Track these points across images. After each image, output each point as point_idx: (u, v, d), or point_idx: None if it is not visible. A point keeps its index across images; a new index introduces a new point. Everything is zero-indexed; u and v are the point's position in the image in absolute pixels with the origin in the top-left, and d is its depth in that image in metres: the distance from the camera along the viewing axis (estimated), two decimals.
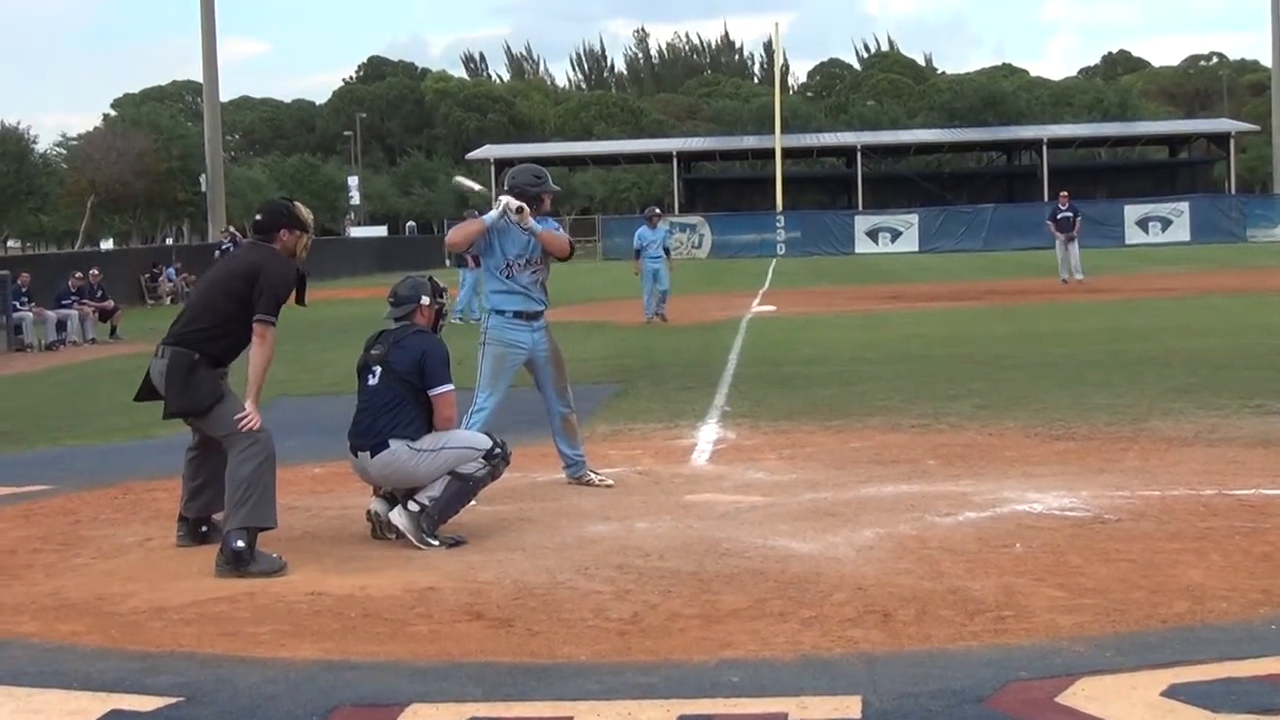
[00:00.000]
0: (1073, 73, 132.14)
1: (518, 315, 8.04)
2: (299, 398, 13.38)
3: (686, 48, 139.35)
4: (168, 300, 36.10)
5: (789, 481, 8.14)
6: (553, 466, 8.41)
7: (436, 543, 6.59)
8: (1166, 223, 59.94)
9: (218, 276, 6.87)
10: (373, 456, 6.73)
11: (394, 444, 6.68)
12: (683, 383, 13.70)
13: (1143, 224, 59.85)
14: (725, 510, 7.34)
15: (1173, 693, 4.22)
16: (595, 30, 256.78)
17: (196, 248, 48.38)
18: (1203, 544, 6.18)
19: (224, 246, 31.82)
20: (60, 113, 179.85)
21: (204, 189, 49.05)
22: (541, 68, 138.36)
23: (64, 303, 24.32)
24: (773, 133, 71.91)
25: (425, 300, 7.03)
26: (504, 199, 7.95)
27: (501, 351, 8.03)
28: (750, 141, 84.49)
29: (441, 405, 6.77)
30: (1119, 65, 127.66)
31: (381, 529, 6.81)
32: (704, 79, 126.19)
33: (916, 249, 58.74)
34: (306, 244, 6.84)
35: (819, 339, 18.69)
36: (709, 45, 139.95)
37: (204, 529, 6.89)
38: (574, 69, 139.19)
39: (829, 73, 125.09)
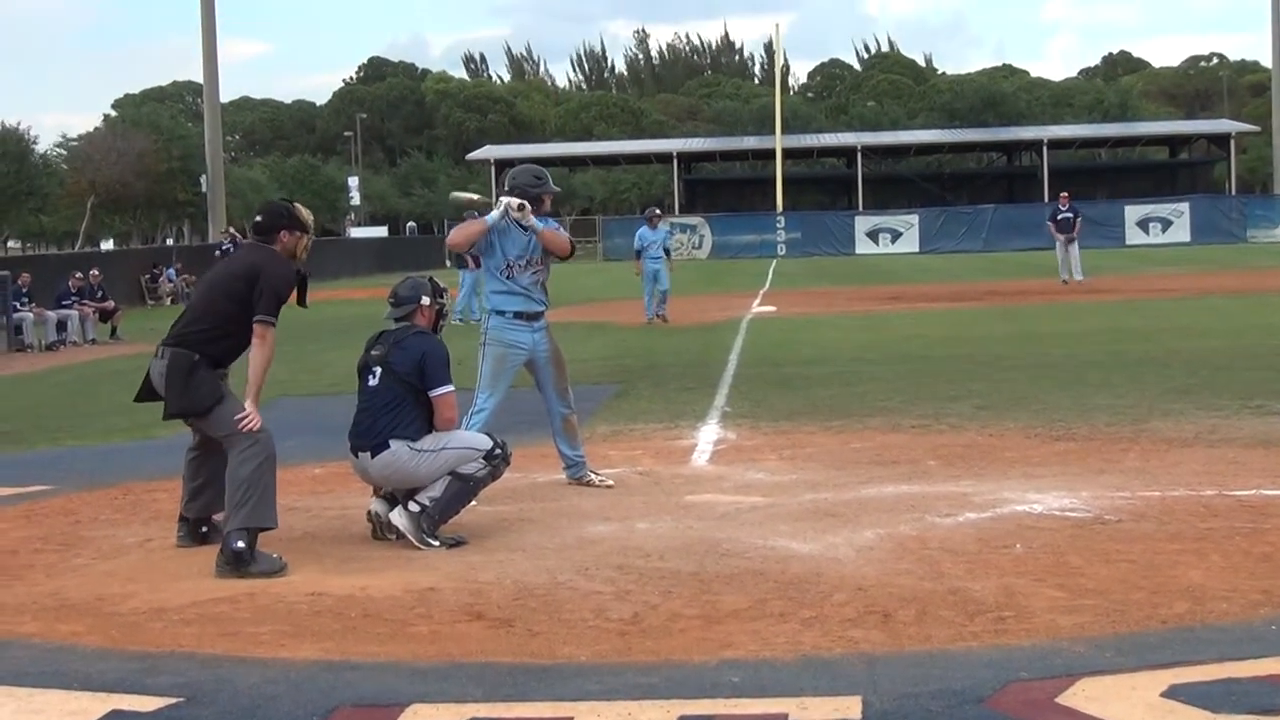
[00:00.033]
0: (1073, 73, 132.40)
1: (518, 316, 8.04)
2: (299, 398, 13.39)
3: (687, 48, 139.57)
4: (168, 301, 36.12)
5: (789, 482, 8.14)
6: (553, 467, 8.41)
7: (437, 543, 6.60)
8: (1167, 223, 59.97)
9: (218, 278, 6.88)
10: (373, 457, 6.73)
11: (394, 444, 6.69)
12: (683, 383, 13.70)
13: (1143, 225, 59.88)
14: (725, 511, 7.34)
15: (1173, 693, 4.22)
16: (595, 31, 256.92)
17: (197, 248, 48.40)
18: (1203, 545, 6.19)
19: (224, 247, 31.85)
20: (60, 113, 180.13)
21: (204, 189, 49.06)
22: (542, 68, 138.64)
23: (64, 303, 24.33)
24: (773, 133, 71.92)
25: (425, 301, 7.03)
26: (505, 199, 7.96)
27: (502, 352, 8.03)
28: (750, 142, 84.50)
29: (442, 406, 6.78)
30: (1119, 66, 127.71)
31: (382, 529, 6.81)
32: (704, 80, 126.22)
33: (917, 250, 58.74)
34: (307, 245, 6.84)
35: (819, 340, 18.69)
36: (709, 46, 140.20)
37: (204, 529, 6.89)
38: (574, 69, 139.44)
39: (829, 73, 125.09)
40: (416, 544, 6.59)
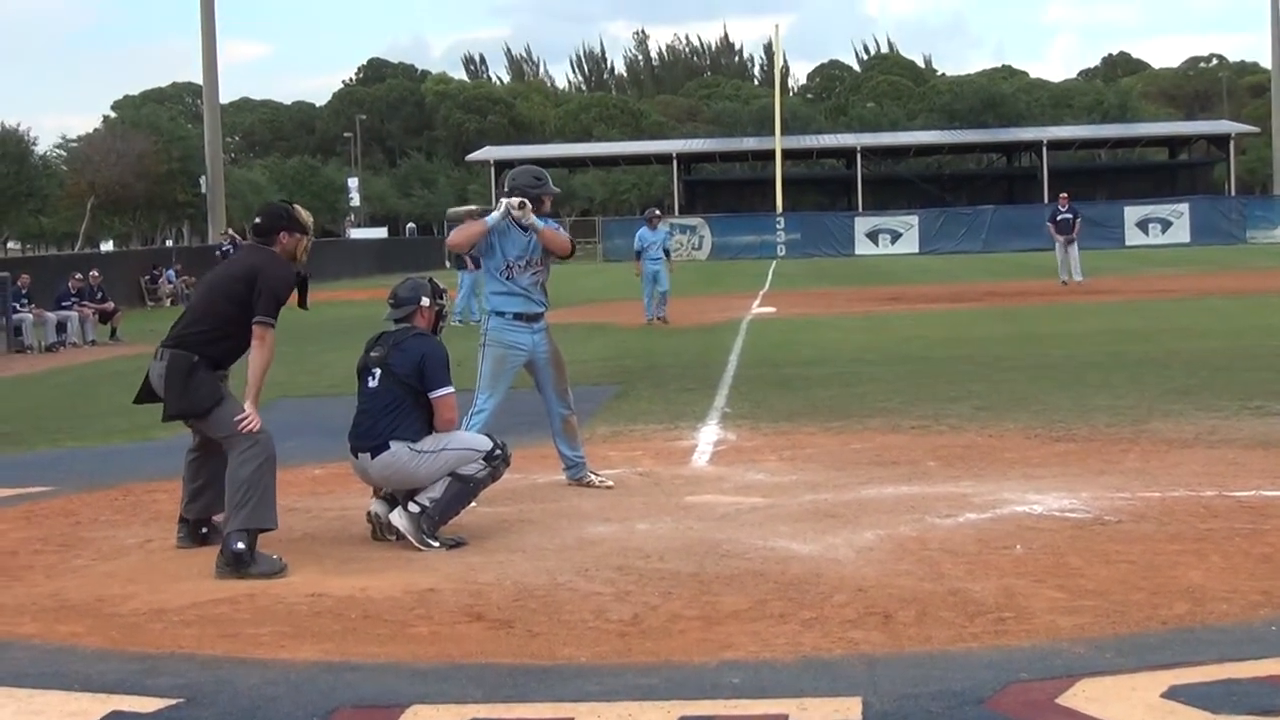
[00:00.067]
0: (1072, 74, 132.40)
1: (518, 317, 8.04)
2: (299, 399, 13.39)
3: (686, 49, 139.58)
4: (168, 302, 36.12)
5: (789, 483, 8.14)
6: (553, 468, 8.41)
7: (437, 544, 6.60)
8: (1166, 224, 59.98)
9: (217, 279, 6.88)
10: (373, 458, 6.73)
11: (394, 446, 6.69)
12: (683, 384, 13.70)
13: (1142, 225, 59.89)
14: (725, 512, 7.34)
15: (1173, 694, 4.22)
16: (595, 32, 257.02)
17: (196, 249, 48.42)
18: (1203, 545, 6.18)
19: (224, 248, 31.86)
20: (60, 114, 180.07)
21: (204, 191, 49.09)
22: (541, 69, 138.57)
23: (64, 304, 24.33)
24: (773, 134, 71.93)
25: (425, 302, 7.03)
26: (505, 200, 7.97)
27: (501, 353, 8.03)
28: (750, 143, 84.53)
29: (442, 408, 6.78)
30: (1119, 67, 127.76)
31: (382, 530, 6.81)
32: (704, 81, 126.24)
33: (916, 250, 58.76)
34: (306, 246, 6.84)
35: (819, 340, 18.69)
36: (709, 47, 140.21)
37: (204, 530, 6.89)
38: (574, 70, 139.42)
39: (829, 74, 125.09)
40: (416, 545, 6.59)
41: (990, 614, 5.18)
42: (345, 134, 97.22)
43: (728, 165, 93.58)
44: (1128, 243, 57.34)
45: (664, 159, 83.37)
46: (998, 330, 19.16)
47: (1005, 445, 9.30)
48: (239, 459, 6.41)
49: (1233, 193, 74.77)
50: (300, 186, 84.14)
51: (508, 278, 8.02)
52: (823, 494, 7.72)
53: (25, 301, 23.88)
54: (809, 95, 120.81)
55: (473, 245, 8.11)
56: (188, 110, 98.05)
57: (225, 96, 64.01)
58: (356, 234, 78.45)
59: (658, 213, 24.63)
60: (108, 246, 74.50)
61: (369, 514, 6.92)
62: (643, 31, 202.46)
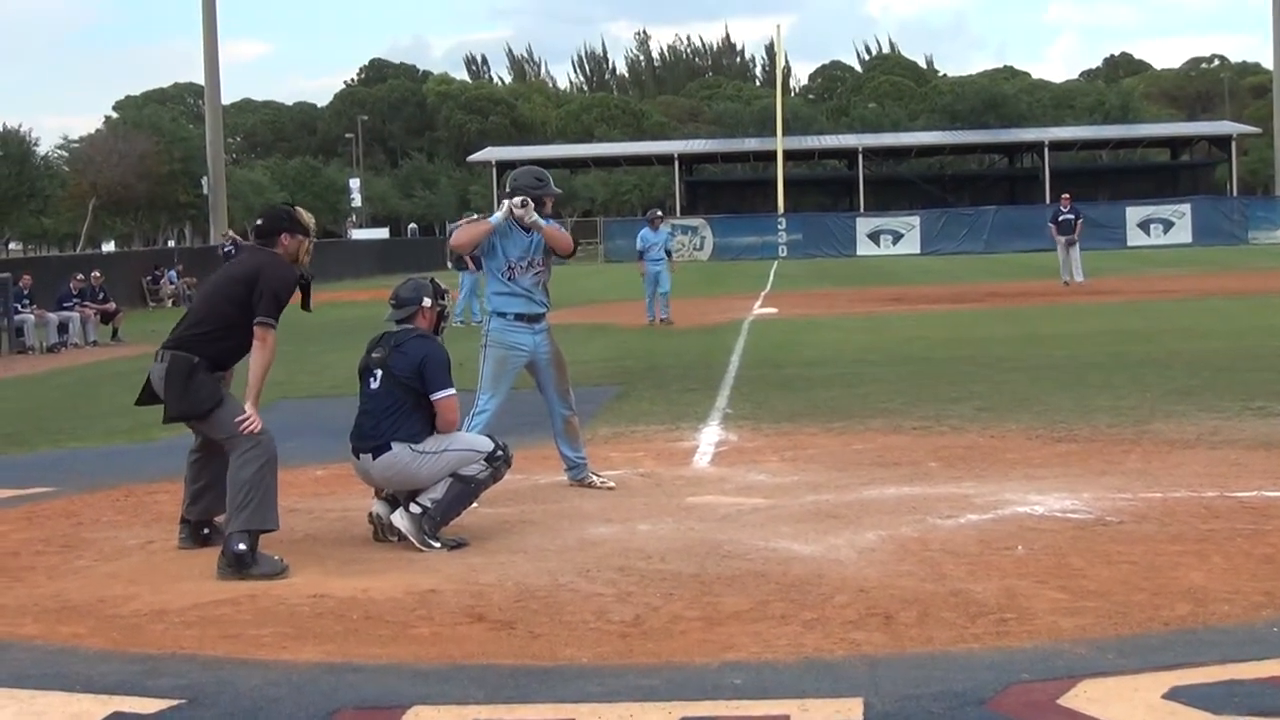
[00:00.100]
0: (1074, 75, 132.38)
1: (519, 318, 8.04)
2: (300, 400, 13.39)
3: (688, 50, 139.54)
4: (169, 303, 36.16)
5: (791, 484, 8.14)
6: (554, 469, 8.41)
7: (438, 545, 6.60)
8: (1168, 225, 59.99)
9: (219, 281, 6.90)
10: (375, 459, 6.73)
11: (396, 447, 6.69)
12: (684, 385, 13.70)
13: (1144, 226, 59.89)
14: (727, 512, 7.34)
15: (1174, 695, 4.22)
16: (596, 32, 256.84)
17: (198, 250, 48.44)
18: (1205, 546, 6.18)
19: (225, 249, 31.86)
20: (62, 115, 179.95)
21: (206, 191, 49.10)
22: (543, 70, 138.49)
23: (65, 305, 24.34)
24: (774, 135, 71.92)
25: (427, 302, 7.03)
26: (507, 200, 7.97)
27: (503, 354, 8.03)
28: (752, 144, 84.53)
29: (443, 410, 6.78)
30: (1120, 68, 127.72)
31: (383, 531, 6.81)
32: (705, 81, 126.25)
33: (918, 251, 58.77)
34: (308, 248, 6.85)
35: (821, 341, 18.70)
36: (710, 47, 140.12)
37: (206, 531, 6.89)
38: (575, 71, 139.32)
39: (830, 75, 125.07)
40: (418, 546, 6.59)
41: (992, 615, 5.18)
42: (347, 135, 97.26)
43: (729, 166, 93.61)
44: (1129, 243, 57.34)
45: (665, 160, 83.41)
46: (999, 331, 19.16)
47: (1007, 446, 9.30)
48: (240, 460, 6.41)
49: (1234, 193, 74.79)
50: (302, 187, 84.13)
51: (509, 279, 8.02)
52: (824, 495, 7.72)
53: (27, 302, 23.90)
54: (810, 96, 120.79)
55: (475, 245, 8.11)
56: (189, 111, 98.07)
57: (227, 97, 64.16)
58: (358, 235, 78.51)
59: (659, 213, 24.64)
60: (109, 247, 74.49)
61: (370, 515, 6.92)
62: (644, 32, 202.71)
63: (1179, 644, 4.77)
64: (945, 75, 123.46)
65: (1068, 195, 32.20)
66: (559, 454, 8.28)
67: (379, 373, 6.82)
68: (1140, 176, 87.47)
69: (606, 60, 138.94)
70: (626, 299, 27.45)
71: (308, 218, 6.92)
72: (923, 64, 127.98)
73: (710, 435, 10.29)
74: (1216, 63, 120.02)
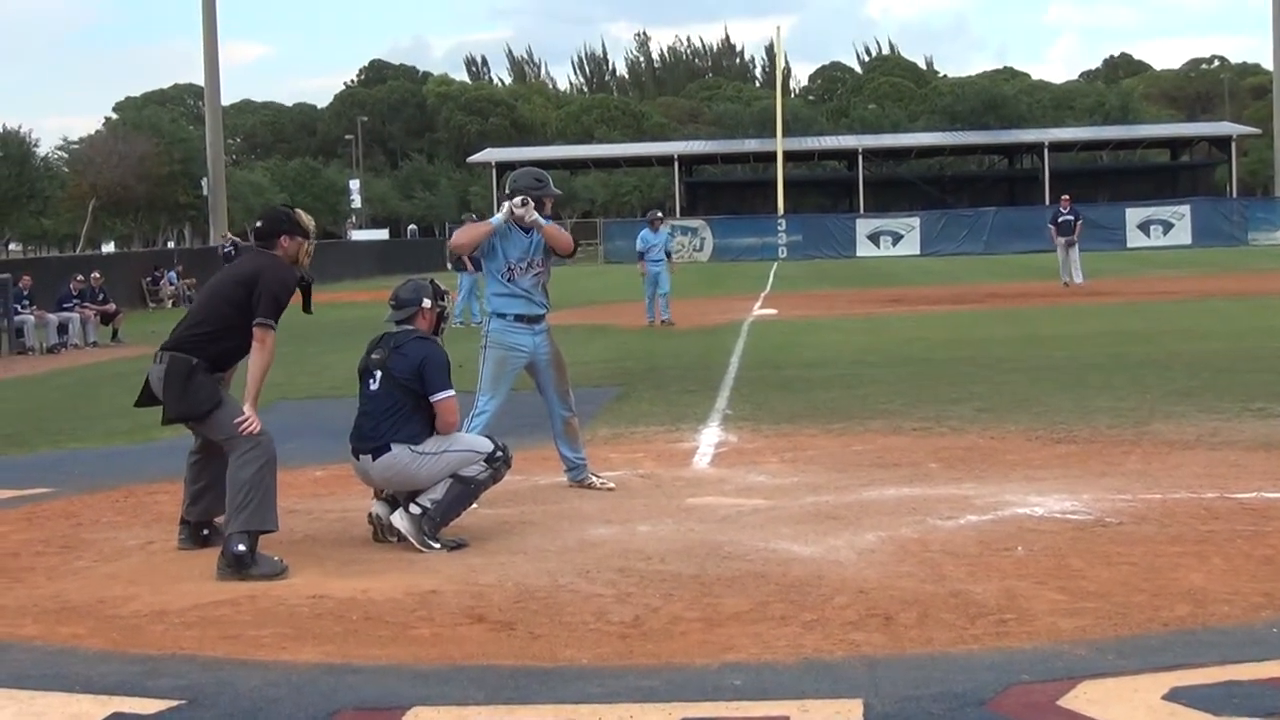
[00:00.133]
0: (1074, 76, 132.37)
1: (519, 319, 8.04)
2: (300, 401, 13.39)
3: (688, 51, 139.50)
4: (169, 304, 36.15)
5: (790, 485, 8.14)
6: (554, 469, 8.41)
7: (438, 546, 6.60)
8: (1168, 226, 59.98)
9: (219, 283, 6.91)
10: (374, 460, 6.73)
11: (396, 448, 6.69)
12: (684, 386, 13.70)
13: (1144, 227, 59.89)
14: (727, 513, 7.34)
15: (1174, 696, 4.22)
16: (596, 33, 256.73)
17: (198, 251, 48.46)
18: (1204, 547, 6.18)
19: (225, 250, 31.89)
20: (61, 116, 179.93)
21: (205, 192, 49.14)
22: (543, 71, 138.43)
23: (65, 306, 24.34)
24: (774, 136, 71.92)
25: (427, 303, 7.03)
26: (507, 201, 7.98)
27: (502, 355, 8.03)
28: (752, 145, 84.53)
29: (443, 411, 6.78)
30: (1120, 68, 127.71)
31: (383, 532, 6.81)
32: (705, 82, 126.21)
33: (918, 252, 58.78)
34: (308, 250, 6.85)
35: (820, 342, 18.70)
36: (710, 48, 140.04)
37: (205, 532, 6.89)
38: (575, 72, 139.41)
39: (830, 76, 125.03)
40: (418, 546, 6.59)
41: (992, 616, 5.18)
42: (347, 136, 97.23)
43: (729, 167, 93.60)
44: (1129, 244, 57.35)
45: (665, 161, 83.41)
46: (999, 332, 19.16)
47: (1007, 447, 9.30)
48: (239, 461, 6.41)
49: (1234, 194, 74.77)
50: (301, 188, 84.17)
51: (509, 279, 8.03)
52: (824, 496, 7.72)
53: (27, 303, 23.89)
54: (810, 97, 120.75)
55: (475, 247, 8.12)
56: (189, 112, 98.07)
57: (227, 98, 64.14)
58: (358, 236, 78.50)
59: (659, 214, 24.66)
60: (109, 248, 74.47)
61: (370, 516, 6.92)
62: (644, 33, 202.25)
63: (1179, 645, 4.77)
64: (945, 76, 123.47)
65: (1067, 196, 32.22)
66: (559, 455, 8.28)
67: (378, 374, 6.82)
68: (1140, 177, 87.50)
69: (606, 61, 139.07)
70: (626, 300, 27.45)
71: (307, 220, 6.92)
72: (923, 65, 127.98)
73: (710, 436, 10.29)
74: (1216, 63, 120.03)
